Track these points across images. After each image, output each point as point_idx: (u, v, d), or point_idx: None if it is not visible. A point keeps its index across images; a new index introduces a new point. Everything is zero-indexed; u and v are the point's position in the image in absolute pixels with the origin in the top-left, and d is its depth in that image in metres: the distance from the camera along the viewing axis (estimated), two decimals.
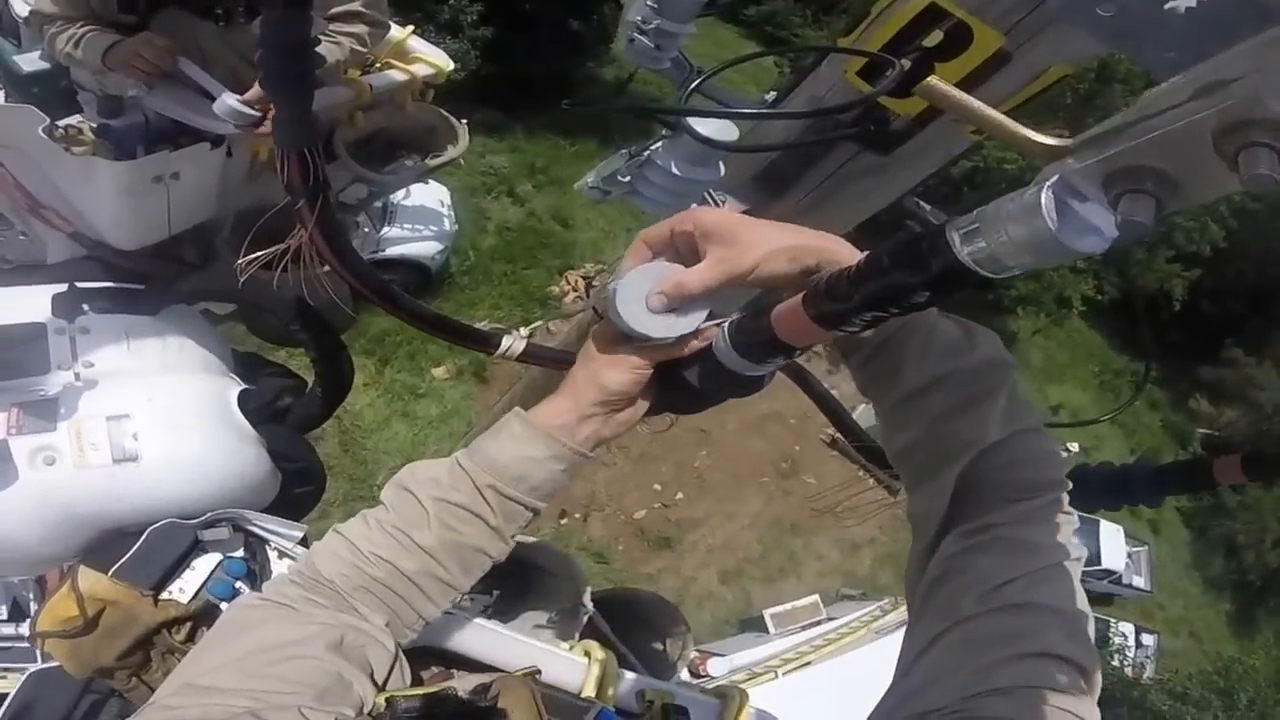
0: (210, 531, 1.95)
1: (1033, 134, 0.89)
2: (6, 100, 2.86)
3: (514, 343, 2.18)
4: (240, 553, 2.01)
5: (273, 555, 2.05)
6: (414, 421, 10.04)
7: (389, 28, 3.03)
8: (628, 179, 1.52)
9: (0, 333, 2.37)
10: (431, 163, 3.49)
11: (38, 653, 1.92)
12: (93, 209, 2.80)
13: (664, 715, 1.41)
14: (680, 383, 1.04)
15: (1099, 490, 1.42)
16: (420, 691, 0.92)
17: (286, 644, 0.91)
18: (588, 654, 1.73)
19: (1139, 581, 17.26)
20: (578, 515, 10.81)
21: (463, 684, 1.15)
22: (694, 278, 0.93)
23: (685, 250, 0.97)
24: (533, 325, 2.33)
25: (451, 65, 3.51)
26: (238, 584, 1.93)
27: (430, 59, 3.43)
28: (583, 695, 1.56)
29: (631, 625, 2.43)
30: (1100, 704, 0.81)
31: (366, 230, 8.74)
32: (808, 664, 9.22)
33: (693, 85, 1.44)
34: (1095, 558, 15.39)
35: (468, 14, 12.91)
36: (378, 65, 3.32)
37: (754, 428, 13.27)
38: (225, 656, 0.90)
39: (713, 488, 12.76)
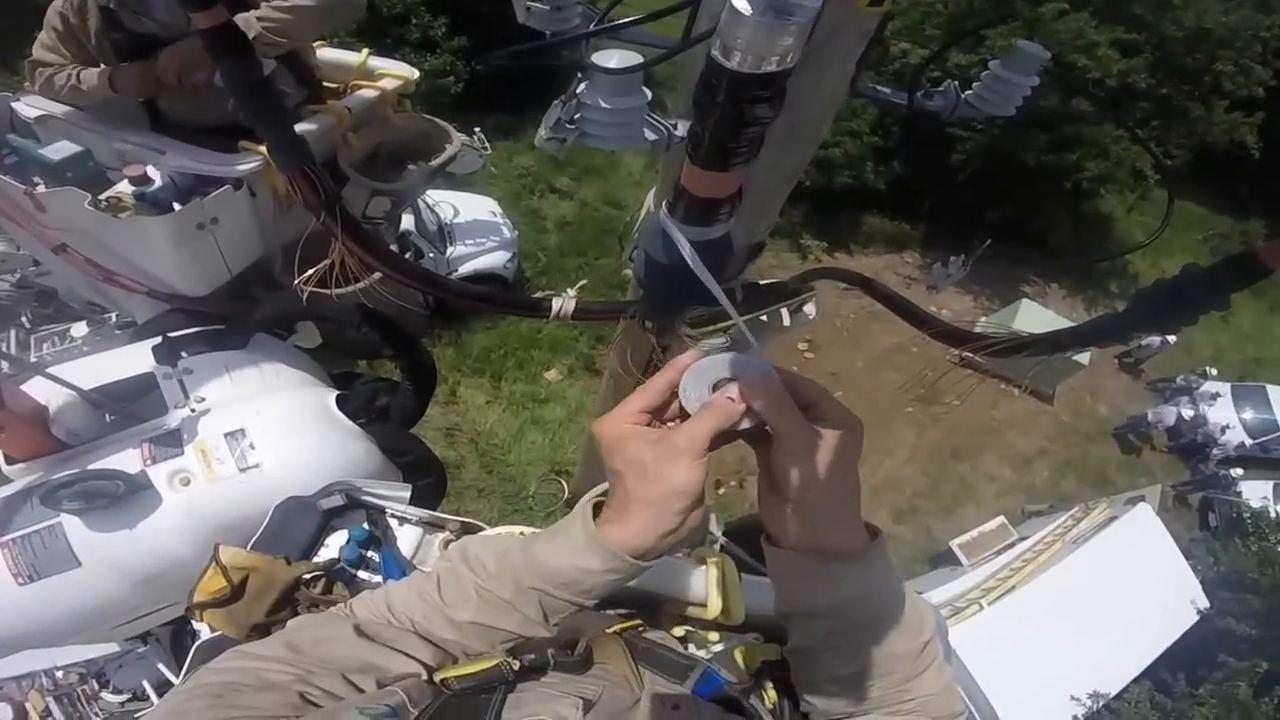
0: (327, 500, 2.15)
1: None
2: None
3: (565, 303, 2.26)
4: (364, 525, 2.22)
5: (393, 522, 2.22)
6: (545, 426, 10.01)
7: None
8: (573, 125, 1.61)
9: (118, 387, 2.72)
10: (434, 163, 3.68)
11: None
12: (155, 265, 3.12)
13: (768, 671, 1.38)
14: (677, 284, 1.16)
15: (1164, 307, 1.43)
16: (476, 668, 0.93)
17: (320, 626, 0.99)
18: (703, 560, 1.78)
19: None
20: (733, 483, 10.50)
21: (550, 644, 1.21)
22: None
23: None
24: (579, 284, 2.42)
25: (416, 74, 3.73)
26: (363, 551, 2.12)
27: (394, 72, 3.68)
28: (708, 600, 1.59)
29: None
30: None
31: (432, 255, 9.22)
32: (1011, 589, 9.06)
33: (590, 29, 1.57)
34: (1274, 424, 14.21)
35: (436, 29, 12.91)
36: (347, 90, 3.59)
37: (882, 361, 13.01)
38: (279, 634, 0.98)
39: None
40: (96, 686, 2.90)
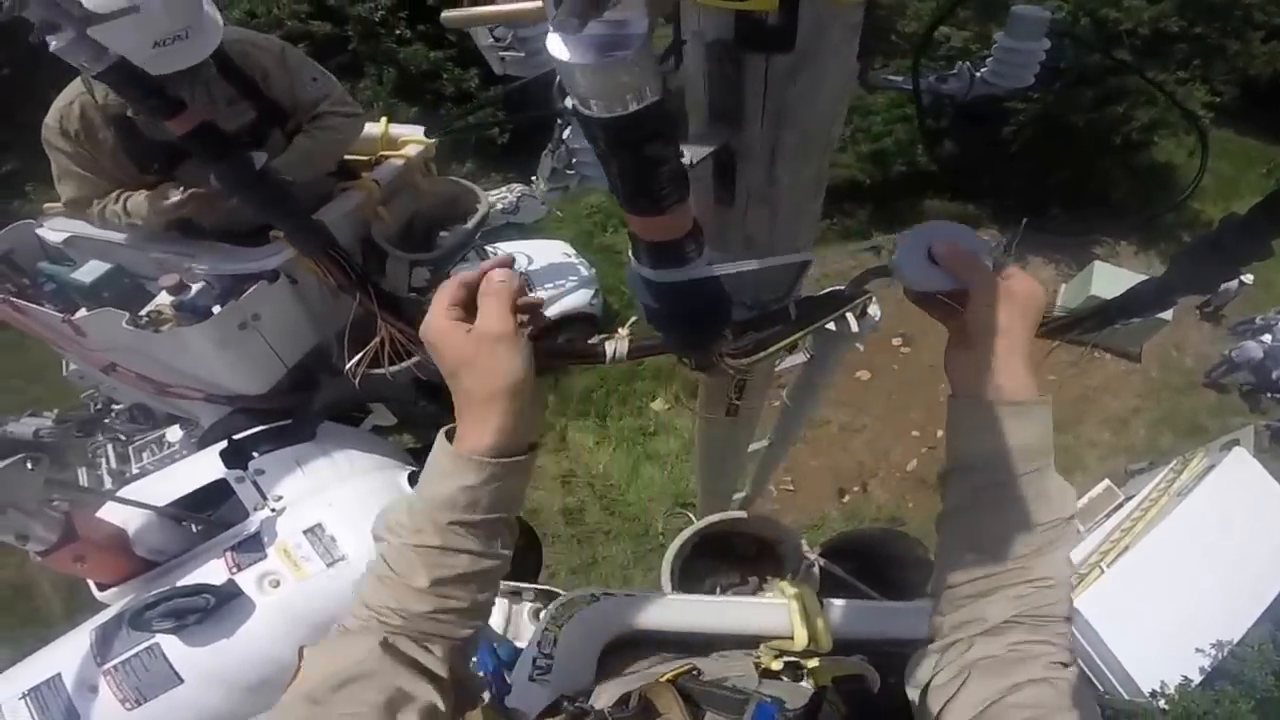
0: None
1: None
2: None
3: (618, 344, 2.22)
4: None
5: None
6: (660, 461, 9.65)
7: (361, 113, 3.26)
8: (570, 170, 1.55)
9: (193, 498, 2.73)
10: (469, 226, 3.69)
11: None
12: (206, 370, 3.15)
13: (835, 684, 1.35)
14: (679, 324, 1.11)
15: (1204, 266, 1.35)
16: None
17: (342, 670, 0.92)
18: (782, 592, 1.76)
19: None
20: (856, 488, 10.28)
21: (604, 698, 1.20)
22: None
23: None
24: (630, 321, 2.40)
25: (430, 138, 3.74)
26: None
27: (415, 138, 3.68)
28: (794, 633, 1.58)
29: (870, 563, 2.43)
30: None
31: None
32: (1126, 548, 8.86)
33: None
34: None
35: (469, 81, 12.67)
36: (375, 162, 3.60)
37: None
38: (294, 689, 0.91)
39: None
40: None
